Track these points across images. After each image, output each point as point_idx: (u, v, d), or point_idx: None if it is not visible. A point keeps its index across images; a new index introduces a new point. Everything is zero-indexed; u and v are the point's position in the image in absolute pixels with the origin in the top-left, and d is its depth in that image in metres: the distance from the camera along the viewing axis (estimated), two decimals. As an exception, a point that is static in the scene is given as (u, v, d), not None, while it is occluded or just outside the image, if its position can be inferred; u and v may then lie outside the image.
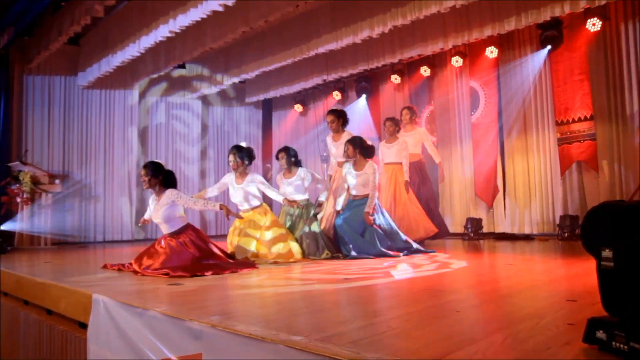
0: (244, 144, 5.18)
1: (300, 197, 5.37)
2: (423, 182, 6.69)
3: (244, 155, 5.00)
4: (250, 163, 5.05)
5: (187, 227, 4.29)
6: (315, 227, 5.22)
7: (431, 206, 6.67)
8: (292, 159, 5.46)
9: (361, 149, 5.30)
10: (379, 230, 5.20)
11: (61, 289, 3.32)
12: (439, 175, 7.19)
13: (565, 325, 1.84)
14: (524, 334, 1.74)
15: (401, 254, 5.09)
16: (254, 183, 4.95)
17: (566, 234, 6.74)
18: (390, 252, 5.06)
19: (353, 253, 5.01)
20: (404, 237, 5.35)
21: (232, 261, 4.33)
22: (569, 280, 3.14)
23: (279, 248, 4.82)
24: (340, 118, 5.86)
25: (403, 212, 6.28)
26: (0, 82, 8.24)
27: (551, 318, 1.97)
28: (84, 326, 2.97)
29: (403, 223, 6.19)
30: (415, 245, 5.36)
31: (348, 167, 5.38)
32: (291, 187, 5.39)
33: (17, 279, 4.06)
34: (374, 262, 4.50)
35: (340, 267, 4.17)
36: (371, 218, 5.16)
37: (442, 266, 4.03)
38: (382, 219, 5.34)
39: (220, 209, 4.27)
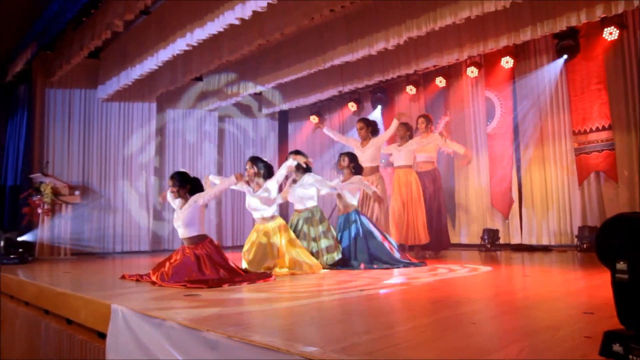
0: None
1: (307, 204, 5.39)
2: (436, 191, 6.67)
3: (260, 165, 5.07)
4: (267, 176, 5.10)
5: (205, 239, 4.34)
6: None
7: (441, 216, 6.66)
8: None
9: (355, 165, 5.62)
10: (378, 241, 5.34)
11: (81, 299, 3.38)
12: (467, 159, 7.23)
13: (582, 338, 1.83)
14: (541, 346, 1.74)
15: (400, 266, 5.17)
16: (267, 190, 5.01)
17: (585, 245, 6.65)
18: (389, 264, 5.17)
19: (362, 266, 5.12)
20: (389, 251, 5.36)
21: (247, 274, 4.36)
22: (587, 293, 3.10)
23: (296, 259, 4.84)
24: (369, 126, 6.32)
25: (412, 216, 6.31)
26: (23, 95, 8.45)
27: (568, 330, 1.96)
28: (102, 336, 3.01)
29: (410, 227, 6.23)
30: (398, 256, 5.36)
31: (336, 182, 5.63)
32: (299, 192, 5.39)
33: (38, 288, 4.14)
34: (387, 273, 4.49)
35: (355, 279, 4.17)
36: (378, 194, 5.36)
37: (459, 277, 4.01)
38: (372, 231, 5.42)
39: (236, 177, 4.51)
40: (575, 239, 6.95)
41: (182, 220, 4.30)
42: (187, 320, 2.29)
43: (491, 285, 3.63)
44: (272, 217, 5.05)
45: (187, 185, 4.42)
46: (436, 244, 6.63)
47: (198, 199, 4.33)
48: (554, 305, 2.60)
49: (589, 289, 3.25)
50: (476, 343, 1.83)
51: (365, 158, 6.13)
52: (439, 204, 6.65)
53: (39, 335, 4.00)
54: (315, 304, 2.83)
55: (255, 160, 5.14)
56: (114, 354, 2.75)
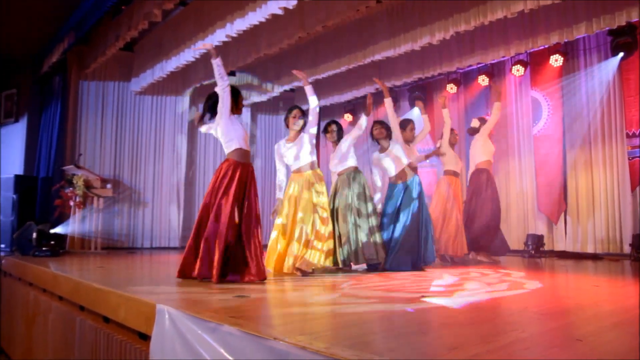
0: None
1: (348, 163, 5.12)
2: (490, 192, 6.34)
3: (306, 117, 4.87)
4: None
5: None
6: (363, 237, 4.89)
7: (495, 219, 6.34)
8: (341, 131, 5.27)
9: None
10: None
11: (120, 296, 3.17)
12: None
13: None
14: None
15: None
16: (307, 135, 4.80)
17: (640, 255, 6.25)
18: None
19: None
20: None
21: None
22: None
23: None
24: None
25: (455, 226, 6.05)
26: (57, 87, 8.38)
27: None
28: (144, 337, 2.80)
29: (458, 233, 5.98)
30: None
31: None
32: (337, 157, 5.15)
33: (74, 283, 3.96)
34: (429, 277, 4.20)
35: (402, 283, 3.89)
36: None
37: (518, 285, 3.71)
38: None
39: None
40: (629, 247, 6.54)
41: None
42: (243, 325, 2.06)
43: (564, 297, 3.33)
44: (312, 166, 4.78)
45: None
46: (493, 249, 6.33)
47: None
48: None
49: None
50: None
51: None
52: (493, 206, 6.32)
53: (74, 332, 3.82)
54: (385, 310, 2.56)
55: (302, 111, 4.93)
56: (160, 358, 2.53)
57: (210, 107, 4.19)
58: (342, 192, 5.00)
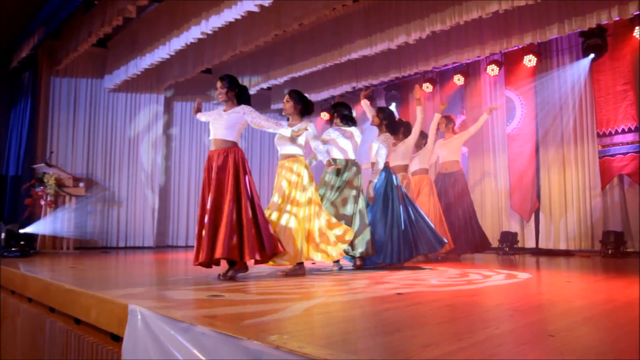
0: None
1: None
2: (462, 193, 6.41)
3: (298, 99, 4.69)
4: (304, 112, 4.74)
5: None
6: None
7: (471, 218, 6.40)
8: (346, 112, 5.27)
9: (388, 122, 5.36)
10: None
11: (92, 297, 3.11)
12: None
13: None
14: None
15: None
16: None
17: (610, 251, 6.38)
18: None
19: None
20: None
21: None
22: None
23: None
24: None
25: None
26: (27, 83, 8.17)
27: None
28: (116, 338, 2.75)
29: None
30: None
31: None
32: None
33: (43, 284, 3.87)
34: (406, 275, 4.21)
35: (376, 277, 3.90)
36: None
37: (495, 282, 3.75)
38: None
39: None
40: (599, 244, 6.67)
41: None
42: (218, 325, 2.03)
43: (539, 292, 3.38)
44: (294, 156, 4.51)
45: (236, 89, 4.18)
46: (463, 247, 6.35)
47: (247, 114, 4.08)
48: (628, 315, 2.34)
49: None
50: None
51: (395, 156, 5.73)
52: (467, 206, 6.38)
53: (44, 334, 3.73)
54: (359, 309, 2.56)
55: (294, 94, 4.71)
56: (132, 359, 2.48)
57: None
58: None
